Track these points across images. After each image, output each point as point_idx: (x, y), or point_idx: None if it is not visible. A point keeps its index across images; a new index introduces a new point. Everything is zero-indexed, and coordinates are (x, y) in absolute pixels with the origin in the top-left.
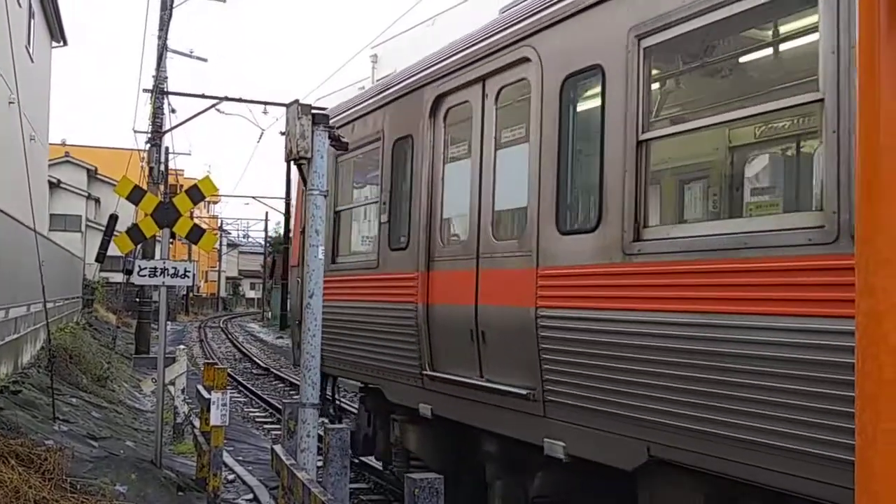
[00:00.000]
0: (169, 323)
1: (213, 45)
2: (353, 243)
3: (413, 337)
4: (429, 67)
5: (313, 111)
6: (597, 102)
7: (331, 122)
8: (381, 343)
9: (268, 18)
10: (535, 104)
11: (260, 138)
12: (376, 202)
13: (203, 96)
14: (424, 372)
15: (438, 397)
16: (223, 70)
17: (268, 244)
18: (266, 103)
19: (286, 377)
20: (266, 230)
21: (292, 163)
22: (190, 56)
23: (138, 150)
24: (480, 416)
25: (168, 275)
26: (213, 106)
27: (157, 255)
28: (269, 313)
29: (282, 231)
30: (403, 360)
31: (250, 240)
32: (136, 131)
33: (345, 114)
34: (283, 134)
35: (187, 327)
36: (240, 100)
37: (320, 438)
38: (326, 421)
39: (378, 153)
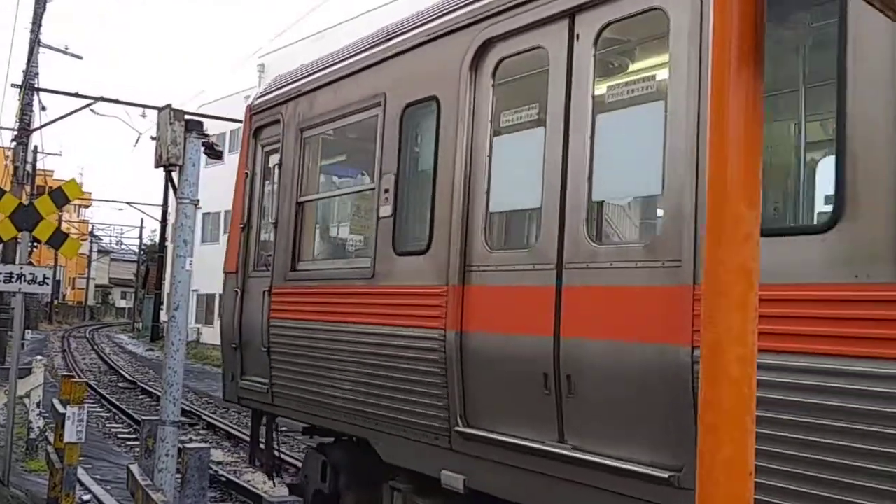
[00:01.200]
0: (29, 332)
1: (91, 43)
2: (324, 245)
3: (437, 377)
4: (469, 3)
5: (187, 117)
6: None
7: (286, 90)
8: (376, 382)
9: (151, 20)
10: (680, 44)
11: (137, 142)
12: (369, 190)
13: (77, 95)
14: (456, 428)
15: (478, 465)
16: (100, 69)
17: (142, 252)
18: (144, 106)
19: (154, 391)
20: (141, 237)
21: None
22: (65, 52)
23: (3, 148)
24: (561, 500)
25: (25, 281)
26: (87, 106)
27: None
28: (140, 324)
29: (157, 239)
30: (417, 409)
31: (123, 247)
32: (1, 128)
33: (308, 79)
34: (154, 139)
35: (49, 337)
36: (116, 101)
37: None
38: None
39: (374, 125)
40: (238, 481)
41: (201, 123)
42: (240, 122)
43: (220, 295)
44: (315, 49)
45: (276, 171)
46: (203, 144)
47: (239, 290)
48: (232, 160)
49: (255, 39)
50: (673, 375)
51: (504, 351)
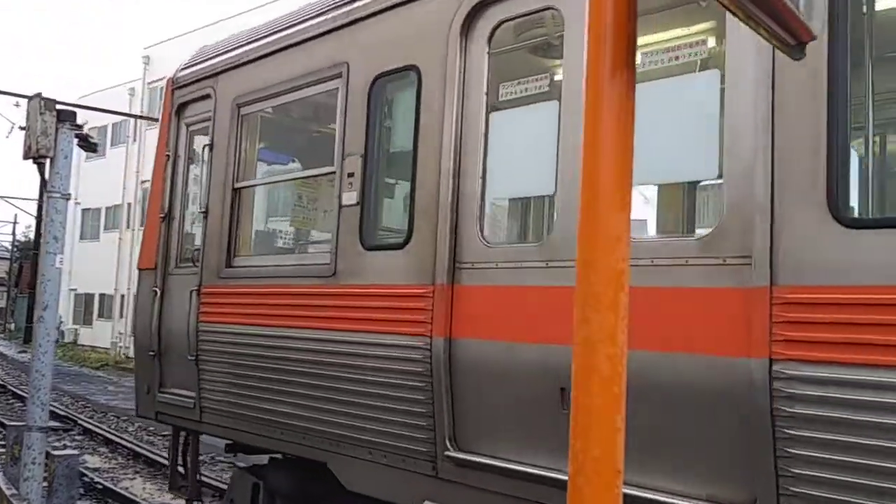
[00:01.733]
0: None
1: None
2: (269, 238)
3: (419, 392)
4: None
5: (59, 107)
6: None
7: (218, 61)
8: (340, 397)
9: (29, 10)
10: None
11: (10, 133)
12: (326, 174)
13: None
14: (446, 453)
15: (473, 497)
16: None
17: (15, 249)
18: (18, 95)
19: (26, 395)
20: (14, 234)
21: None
22: None
23: None
24: None
25: None
26: None
27: None
28: (13, 325)
29: (32, 235)
30: (393, 429)
31: None
32: None
33: (246, 48)
34: (23, 129)
35: None
36: None
37: None
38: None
39: (333, 99)
40: (115, 489)
41: (74, 114)
42: (122, 115)
43: (128, 294)
44: (206, 40)
45: (206, 153)
46: (77, 136)
47: (158, 290)
48: (115, 154)
49: (141, 31)
50: (743, 394)
51: (507, 362)
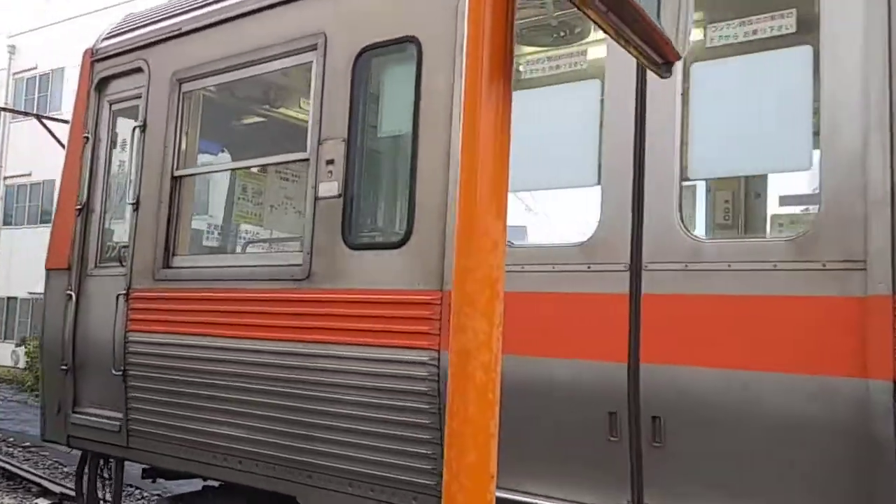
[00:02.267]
0: None
1: None
2: (222, 234)
3: (422, 415)
4: None
5: None
6: None
7: (153, 29)
8: (318, 421)
9: None
10: None
11: None
12: (297, 161)
13: None
14: None
15: None
16: None
17: None
18: None
19: None
20: None
21: None
22: None
23: None
24: None
25: None
26: None
27: None
28: None
29: None
30: (388, 458)
31: None
32: None
33: (190, 15)
34: None
35: None
36: None
37: None
38: None
39: (305, 75)
40: None
41: None
42: None
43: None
44: (87, 28)
45: (137, 136)
46: None
47: (73, 294)
48: None
49: (4, 20)
50: (857, 422)
51: (537, 381)
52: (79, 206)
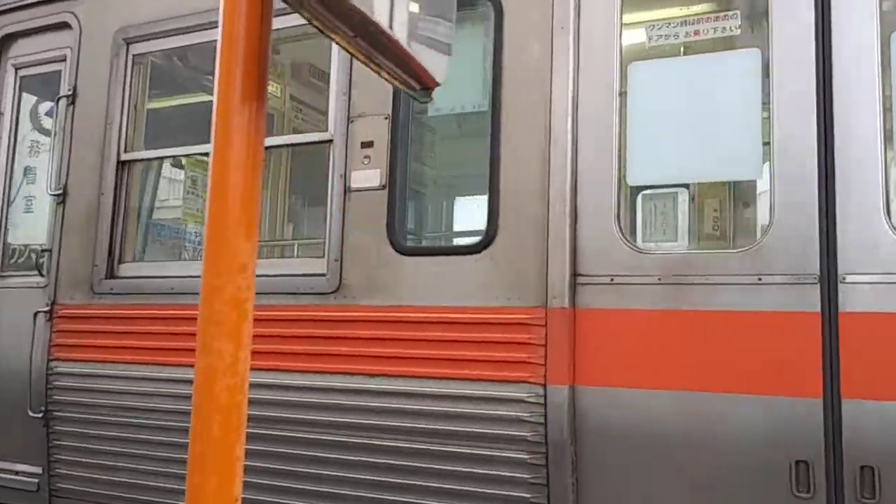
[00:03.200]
0: None
1: None
2: (189, 235)
3: (519, 469)
4: None
5: None
6: None
7: None
8: (344, 475)
9: None
10: None
11: None
12: (315, 143)
13: None
14: None
15: None
16: None
17: None
18: None
19: None
20: None
21: None
22: None
23: None
24: None
25: None
26: None
27: None
28: None
29: None
30: None
31: None
32: None
33: None
34: None
35: None
36: None
37: None
38: None
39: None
40: None
41: None
42: None
43: None
44: None
45: (63, 109)
46: None
47: None
48: None
49: None
50: None
51: (685, 422)
52: None
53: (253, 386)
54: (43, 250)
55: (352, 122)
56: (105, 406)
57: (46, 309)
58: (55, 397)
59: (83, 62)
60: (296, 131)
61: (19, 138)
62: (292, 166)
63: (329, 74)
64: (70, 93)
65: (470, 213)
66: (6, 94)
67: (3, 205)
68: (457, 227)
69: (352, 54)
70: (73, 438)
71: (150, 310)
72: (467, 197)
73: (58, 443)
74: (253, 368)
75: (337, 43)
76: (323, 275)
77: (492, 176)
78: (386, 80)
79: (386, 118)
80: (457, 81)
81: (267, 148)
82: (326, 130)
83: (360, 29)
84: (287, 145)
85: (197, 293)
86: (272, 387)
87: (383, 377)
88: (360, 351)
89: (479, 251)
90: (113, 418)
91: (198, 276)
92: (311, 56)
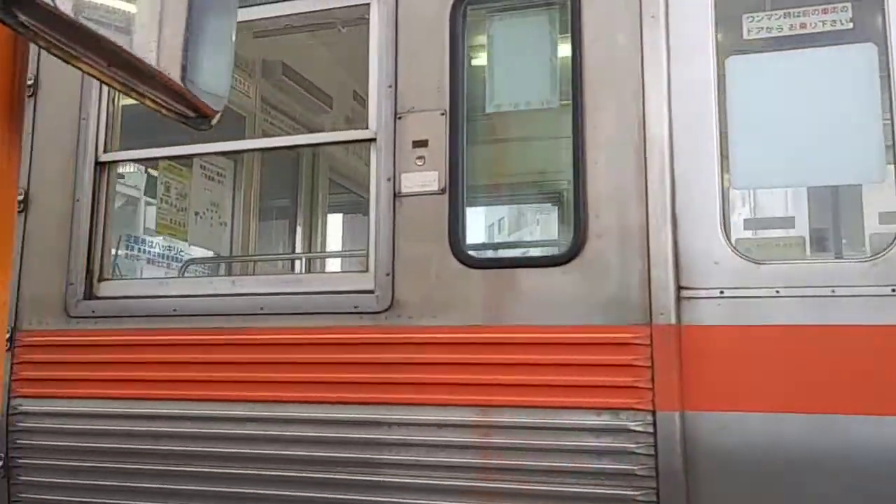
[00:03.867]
0: None
1: None
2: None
3: None
4: None
5: None
6: None
7: None
8: None
9: None
10: None
11: None
12: (356, 141)
13: None
14: None
15: None
16: None
17: None
18: None
19: None
20: None
21: None
22: None
23: None
24: None
25: None
26: None
27: None
28: None
29: None
30: None
31: None
32: None
33: None
34: None
35: None
36: None
37: None
38: None
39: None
40: None
41: None
42: None
43: None
44: None
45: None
46: None
47: None
48: None
49: None
50: None
51: (824, 446)
52: None
53: (286, 422)
54: None
55: (399, 118)
56: (86, 451)
57: (5, 337)
58: (18, 442)
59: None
60: (266, 135)
61: None
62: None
63: (369, 63)
64: (30, 81)
65: (539, 219)
66: None
67: None
68: (522, 235)
69: (105, 83)
70: (42, 491)
71: (145, 335)
72: (533, 202)
73: (22, 496)
74: (277, 401)
75: (85, 72)
76: (370, 291)
77: (577, 179)
78: (152, 108)
79: (442, 114)
80: (521, 75)
81: (293, 147)
82: (368, 128)
83: (115, 58)
84: (315, 144)
85: (211, 314)
86: (304, 422)
87: (453, 407)
88: (420, 378)
89: (565, 262)
90: (95, 464)
91: (211, 296)
92: (284, 54)
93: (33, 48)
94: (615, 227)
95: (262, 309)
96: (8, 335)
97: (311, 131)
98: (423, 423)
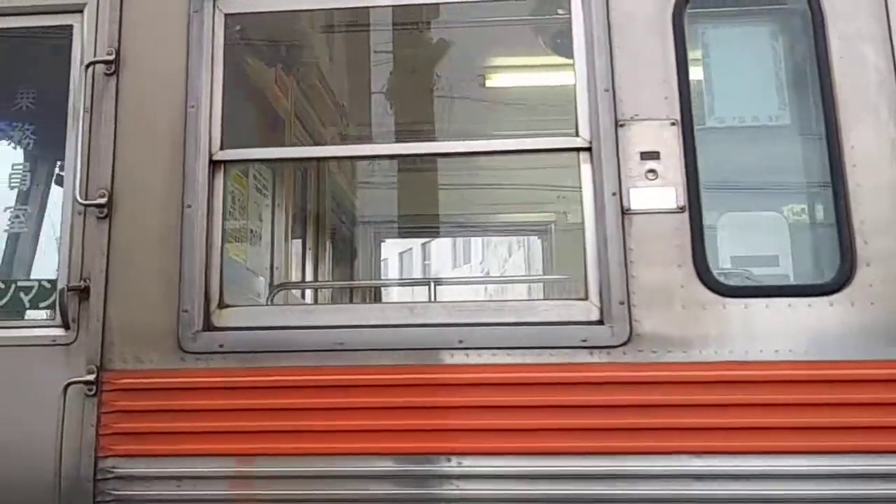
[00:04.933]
0: None
1: None
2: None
3: None
4: None
5: None
6: None
7: None
8: None
9: None
10: None
11: None
12: (563, 149)
13: None
14: None
15: None
16: None
17: None
18: None
19: None
20: None
21: None
22: None
23: None
24: None
25: None
26: None
27: None
28: None
29: None
30: None
31: None
32: None
33: None
34: None
35: None
36: None
37: None
38: None
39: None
40: None
41: None
42: None
43: None
44: None
45: (94, 81)
46: None
47: None
48: None
49: None
50: None
51: None
52: None
53: (489, 478)
54: (70, 289)
55: (621, 126)
56: None
57: (86, 379)
58: None
59: (131, 11)
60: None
61: None
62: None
63: (574, 61)
64: (111, 58)
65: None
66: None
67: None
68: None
69: None
70: None
71: (298, 375)
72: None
73: None
74: (491, 453)
75: None
76: (597, 322)
77: (838, 202)
78: None
79: (673, 123)
80: (746, 88)
81: (492, 153)
82: (577, 135)
83: None
84: (515, 152)
85: (388, 349)
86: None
87: (715, 455)
88: (672, 423)
89: (834, 291)
90: None
91: (386, 327)
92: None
93: (114, 14)
94: (887, 252)
95: (460, 342)
96: (92, 377)
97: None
98: (677, 474)
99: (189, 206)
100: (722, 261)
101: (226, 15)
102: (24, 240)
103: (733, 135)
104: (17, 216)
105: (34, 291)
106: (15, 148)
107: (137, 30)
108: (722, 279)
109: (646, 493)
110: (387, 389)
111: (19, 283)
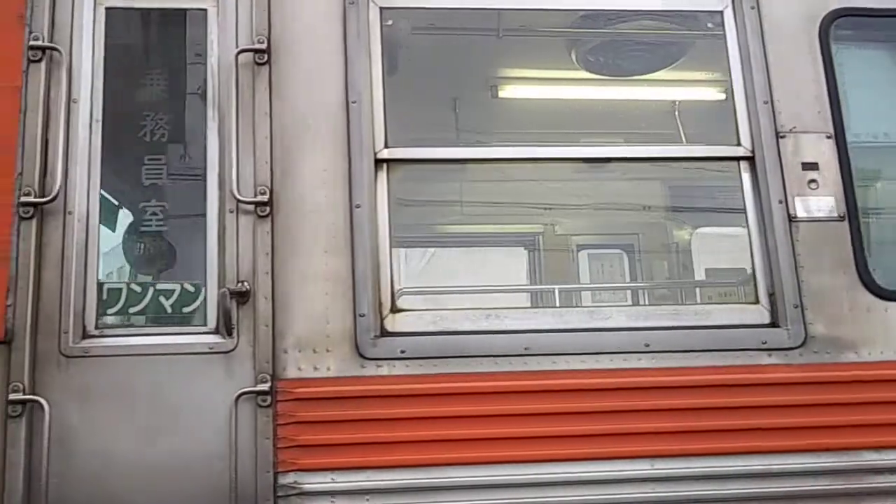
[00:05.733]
0: None
1: None
2: None
3: None
4: None
5: None
6: None
7: None
8: None
9: None
10: None
11: None
12: (726, 158)
13: None
14: None
15: None
16: None
17: None
18: None
19: None
20: None
21: None
22: None
23: None
24: None
25: None
26: None
27: None
28: None
29: None
30: None
31: None
32: None
33: None
34: None
35: None
36: None
37: None
38: None
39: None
40: None
41: None
42: None
43: None
44: None
45: (247, 71)
46: None
47: (27, 400)
48: None
49: None
50: None
51: None
52: (34, 200)
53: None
54: (233, 293)
55: (782, 137)
56: None
57: (260, 389)
58: None
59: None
60: None
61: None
62: None
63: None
64: (262, 46)
65: None
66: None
67: (85, 219)
68: None
69: None
70: None
71: (483, 381)
72: None
73: None
74: (679, 455)
75: None
76: (773, 325)
77: None
78: None
79: (829, 137)
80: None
81: (656, 159)
82: (739, 145)
83: None
84: (681, 158)
85: (573, 353)
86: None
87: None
88: (850, 420)
89: None
90: None
91: (572, 331)
92: None
93: (261, 1)
94: None
95: (647, 346)
96: (266, 386)
97: None
98: (855, 468)
99: (358, 206)
100: (879, 266)
101: (381, 8)
102: (164, 239)
103: (881, 150)
104: (155, 213)
105: (176, 295)
106: (149, 139)
107: (290, 19)
108: (882, 284)
109: (827, 489)
110: (577, 395)
111: (158, 287)
